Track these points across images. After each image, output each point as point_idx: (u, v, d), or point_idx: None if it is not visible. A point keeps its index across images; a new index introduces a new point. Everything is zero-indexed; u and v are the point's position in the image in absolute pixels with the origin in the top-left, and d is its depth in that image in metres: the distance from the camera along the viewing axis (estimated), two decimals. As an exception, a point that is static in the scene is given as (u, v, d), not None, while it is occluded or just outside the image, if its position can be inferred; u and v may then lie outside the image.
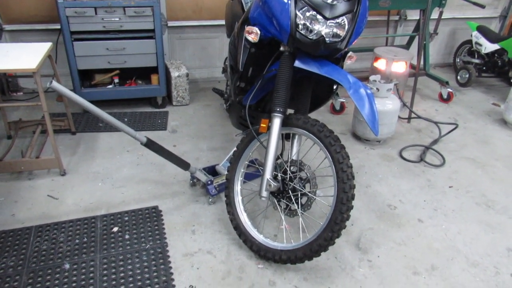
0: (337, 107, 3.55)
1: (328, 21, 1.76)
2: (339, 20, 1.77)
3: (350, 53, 2.05)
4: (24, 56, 2.39)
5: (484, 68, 4.22)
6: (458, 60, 4.58)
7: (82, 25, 2.99)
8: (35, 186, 2.50)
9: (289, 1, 1.76)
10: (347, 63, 2.07)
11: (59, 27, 3.09)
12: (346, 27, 1.79)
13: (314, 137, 1.90)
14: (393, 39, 4.54)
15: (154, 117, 3.39)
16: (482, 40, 4.12)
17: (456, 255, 2.17)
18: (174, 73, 3.42)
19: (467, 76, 4.14)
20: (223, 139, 3.12)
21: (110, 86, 3.37)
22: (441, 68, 4.87)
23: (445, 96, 3.88)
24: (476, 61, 4.27)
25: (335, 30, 1.78)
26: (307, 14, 1.76)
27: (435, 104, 3.90)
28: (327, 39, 1.78)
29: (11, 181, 2.52)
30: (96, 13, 2.98)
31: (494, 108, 3.86)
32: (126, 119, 3.30)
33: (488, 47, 4.08)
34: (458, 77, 4.26)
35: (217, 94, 2.99)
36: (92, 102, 1.87)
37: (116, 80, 3.37)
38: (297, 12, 1.75)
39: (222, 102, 3.26)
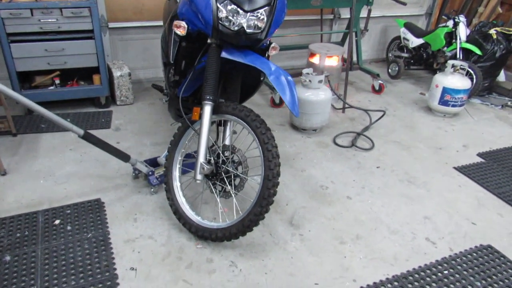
0: (277, 101, 3.74)
1: (248, 14, 1.93)
2: (257, 13, 1.94)
3: (273, 44, 2.22)
4: (-44, 56, 2.39)
5: (412, 61, 4.58)
6: (390, 55, 4.93)
7: (19, 26, 3.01)
8: (-26, 186, 2.50)
9: (211, -4, 1.92)
10: (272, 53, 2.24)
11: (-6, 29, 3.08)
12: (265, 19, 1.97)
13: (242, 122, 2.06)
14: (329, 37, 4.81)
15: (97, 116, 3.43)
16: (409, 36, 4.48)
17: (379, 225, 2.39)
18: (116, 73, 3.49)
19: (397, 69, 4.47)
20: (167, 134, 3.22)
21: (51, 88, 3.38)
22: (375, 63, 5.21)
23: (377, 88, 4.18)
24: (405, 55, 4.62)
25: (254, 22, 1.95)
26: (228, 7, 1.92)
27: (368, 96, 4.19)
28: (248, 30, 1.94)
29: None
30: (32, 15, 3.00)
31: (421, 97, 4.20)
32: (68, 119, 3.30)
33: (414, 41, 4.43)
34: (389, 70, 4.60)
35: (157, 90, 3.10)
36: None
37: (57, 81, 3.38)
38: (219, 6, 1.91)
39: (161, 97, 3.37)
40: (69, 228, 2.21)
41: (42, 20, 3.04)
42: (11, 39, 3.04)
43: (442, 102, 3.71)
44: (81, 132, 2.15)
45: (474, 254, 2.21)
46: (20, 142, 3.00)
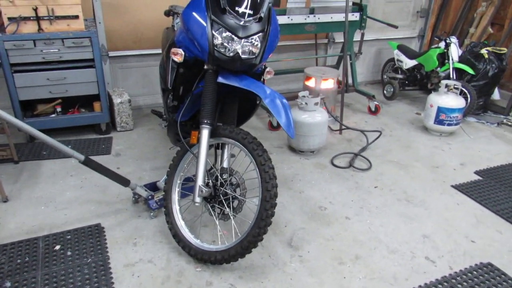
0: (274, 124, 3.80)
1: (242, 40, 2.00)
2: (251, 39, 2.02)
3: (268, 68, 2.29)
4: (-40, 87, 2.46)
5: (406, 82, 4.67)
6: (385, 77, 5.02)
7: (22, 57, 3.09)
8: (-25, 214, 2.52)
9: (207, 25, 1.99)
10: (267, 77, 2.31)
11: (-2, 60, 3.17)
12: (259, 45, 2.04)
13: (239, 144, 2.10)
14: (324, 61, 4.92)
15: (98, 143, 3.48)
16: (403, 57, 4.58)
17: (378, 245, 2.40)
18: (116, 100, 3.56)
19: (392, 90, 4.55)
20: (166, 159, 3.26)
21: (53, 115, 3.44)
22: (371, 85, 5.29)
23: (373, 109, 4.25)
24: (400, 76, 4.71)
25: (249, 48, 2.02)
26: (223, 34, 1.99)
27: (365, 117, 4.25)
28: (242, 55, 2.01)
29: (-50, 211, 2.53)
30: (35, 46, 3.09)
31: (417, 117, 4.26)
32: (70, 146, 3.37)
33: (408, 63, 4.53)
34: (384, 92, 4.67)
35: (157, 116, 3.17)
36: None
37: (59, 109, 3.45)
38: (214, 33, 1.98)
39: (161, 122, 3.44)
40: (69, 253, 2.22)
41: (44, 51, 3.13)
42: (14, 69, 3.12)
43: (438, 121, 3.76)
44: (82, 157, 2.19)
45: (474, 272, 2.21)
46: (21, 169, 3.04)
